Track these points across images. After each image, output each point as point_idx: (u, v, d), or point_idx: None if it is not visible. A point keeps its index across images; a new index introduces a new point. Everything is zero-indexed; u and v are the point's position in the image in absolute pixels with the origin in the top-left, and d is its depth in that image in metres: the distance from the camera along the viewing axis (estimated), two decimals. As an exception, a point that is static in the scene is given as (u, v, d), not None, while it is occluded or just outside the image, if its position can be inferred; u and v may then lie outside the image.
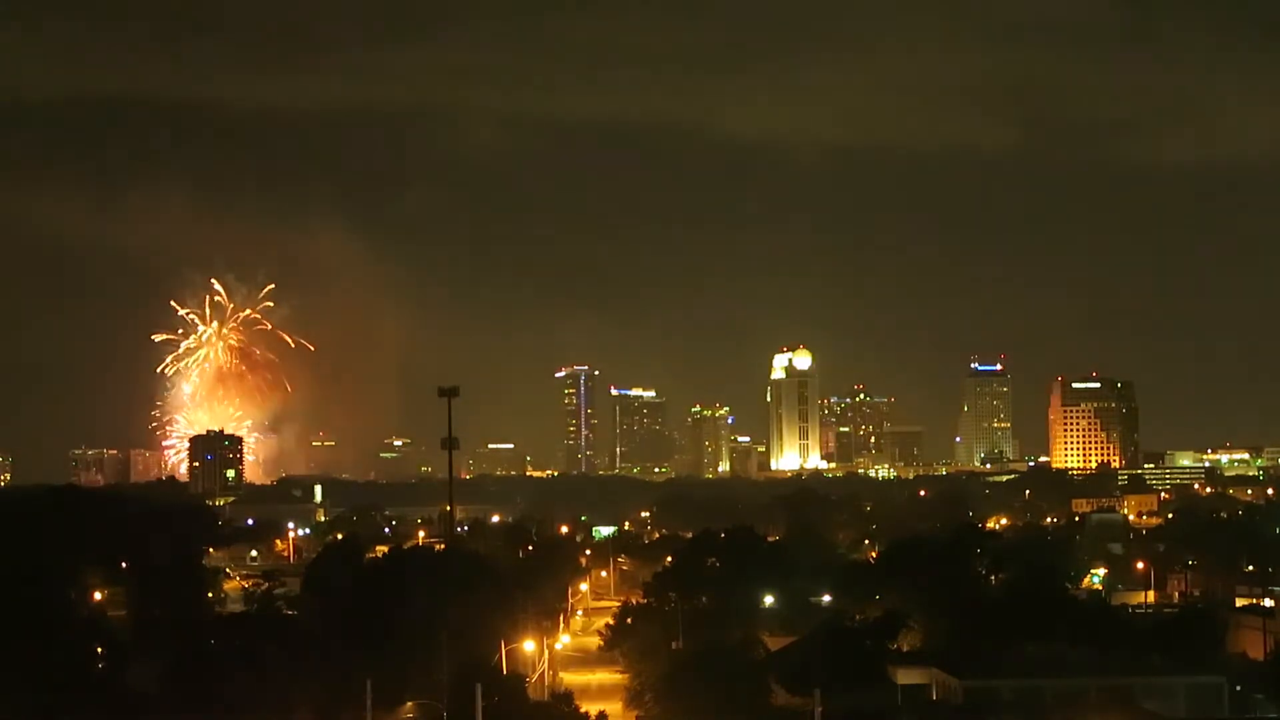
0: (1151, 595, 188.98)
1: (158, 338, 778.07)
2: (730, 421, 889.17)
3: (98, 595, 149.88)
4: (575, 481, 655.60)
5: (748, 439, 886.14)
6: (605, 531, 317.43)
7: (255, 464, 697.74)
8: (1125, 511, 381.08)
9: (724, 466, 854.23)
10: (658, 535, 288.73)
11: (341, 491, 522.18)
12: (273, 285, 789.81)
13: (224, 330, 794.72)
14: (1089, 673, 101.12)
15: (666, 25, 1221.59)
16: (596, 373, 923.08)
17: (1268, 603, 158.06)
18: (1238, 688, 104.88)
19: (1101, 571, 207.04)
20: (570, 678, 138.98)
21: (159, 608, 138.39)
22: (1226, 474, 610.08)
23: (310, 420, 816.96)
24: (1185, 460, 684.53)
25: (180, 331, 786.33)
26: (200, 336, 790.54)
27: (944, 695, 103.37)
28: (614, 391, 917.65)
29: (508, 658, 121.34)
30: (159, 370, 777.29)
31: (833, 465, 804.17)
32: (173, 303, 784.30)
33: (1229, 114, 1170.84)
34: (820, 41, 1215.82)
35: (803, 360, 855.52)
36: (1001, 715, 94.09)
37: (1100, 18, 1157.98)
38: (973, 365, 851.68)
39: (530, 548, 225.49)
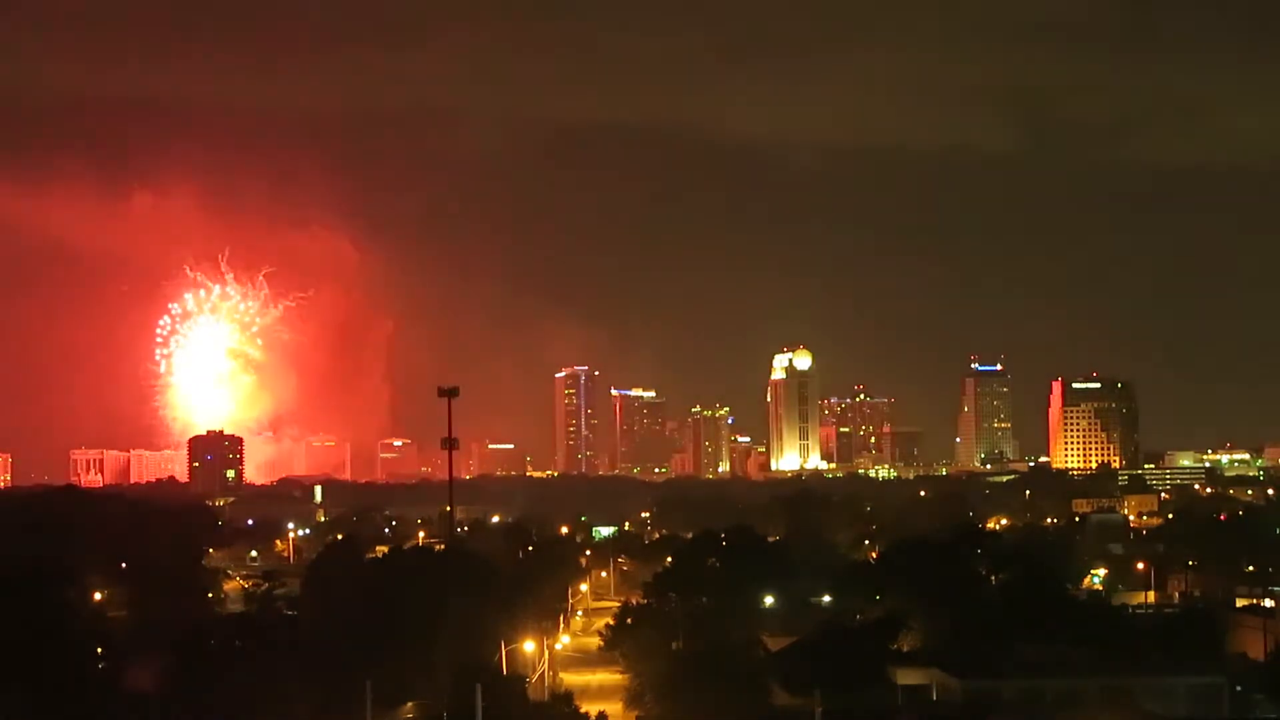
0: (1152, 595, 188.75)
1: (158, 338, 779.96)
2: (730, 421, 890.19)
3: (98, 595, 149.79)
4: (575, 481, 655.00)
5: (748, 439, 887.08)
6: (605, 532, 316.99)
7: (255, 464, 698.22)
8: (1125, 512, 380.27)
9: (724, 466, 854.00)
10: (658, 535, 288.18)
11: (341, 492, 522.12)
12: (273, 285, 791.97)
13: (224, 330, 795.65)
14: (1089, 673, 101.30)
15: (666, 26, 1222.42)
16: (596, 373, 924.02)
17: (1268, 603, 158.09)
18: (1238, 688, 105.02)
19: (1102, 572, 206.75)
20: (570, 678, 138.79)
21: (159, 608, 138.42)
22: (1227, 474, 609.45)
23: (310, 420, 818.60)
24: (1185, 460, 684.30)
25: (181, 331, 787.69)
26: (200, 336, 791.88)
27: (944, 695, 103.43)
28: (614, 391, 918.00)
29: (508, 658, 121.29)
30: (159, 370, 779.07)
31: (833, 465, 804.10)
32: (174, 303, 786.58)
33: (1228, 114, 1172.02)
34: (820, 42, 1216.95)
35: (803, 360, 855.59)
36: (1002, 715, 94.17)
37: (1100, 18, 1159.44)
38: (973, 365, 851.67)
39: (530, 548, 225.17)
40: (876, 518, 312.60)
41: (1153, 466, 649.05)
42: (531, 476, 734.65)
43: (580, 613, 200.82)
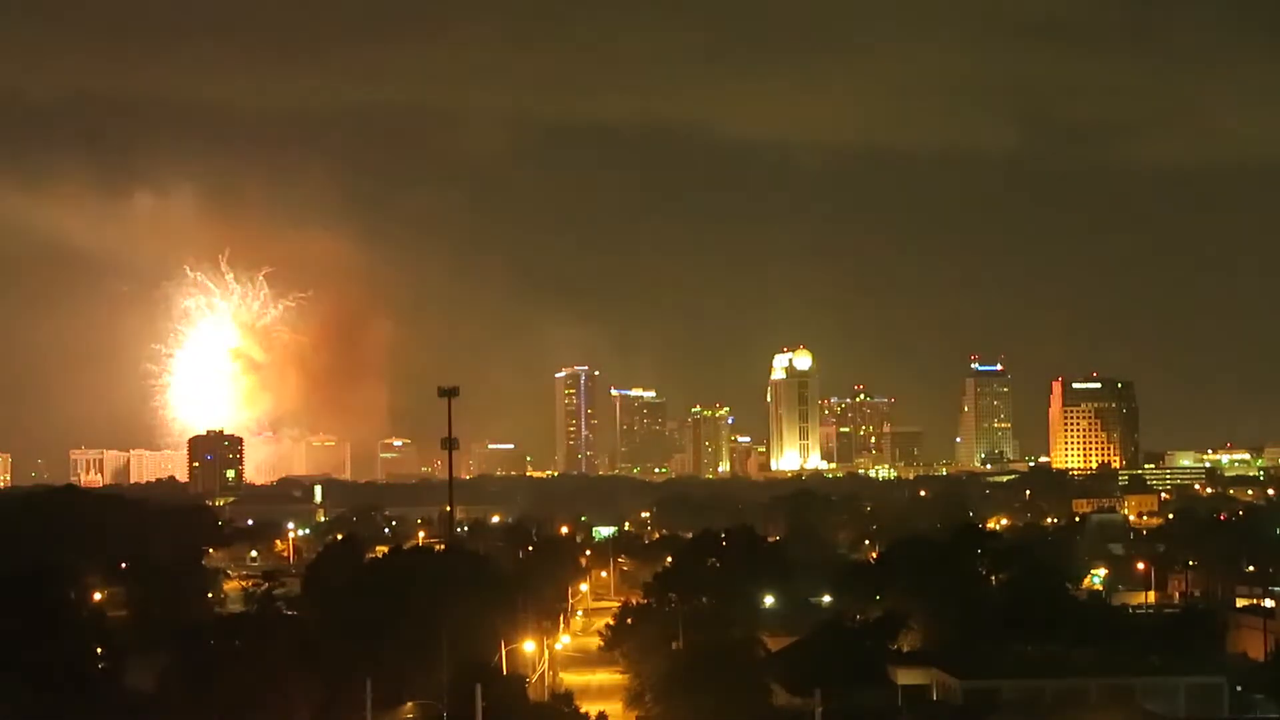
0: (1152, 595, 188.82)
1: (158, 341, 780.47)
2: (730, 421, 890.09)
3: (98, 595, 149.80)
4: (575, 481, 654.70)
5: (748, 439, 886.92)
6: (605, 532, 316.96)
7: (255, 464, 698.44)
8: (1125, 512, 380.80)
9: (724, 466, 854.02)
10: (658, 535, 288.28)
11: (341, 491, 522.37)
12: (273, 285, 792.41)
13: (224, 330, 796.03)
14: (1089, 673, 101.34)
15: (666, 26, 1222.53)
16: (596, 373, 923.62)
17: (1268, 603, 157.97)
18: (1238, 688, 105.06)
19: (1102, 572, 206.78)
20: (570, 678, 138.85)
21: (159, 608, 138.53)
22: (1227, 474, 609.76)
23: (310, 420, 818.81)
24: (1186, 460, 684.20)
25: (181, 331, 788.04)
26: (200, 336, 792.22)
27: (944, 695, 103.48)
28: (614, 391, 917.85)
29: (508, 658, 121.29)
30: (159, 370, 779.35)
31: (833, 465, 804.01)
32: (174, 303, 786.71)
33: (1229, 114, 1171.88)
34: (820, 42, 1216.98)
35: (803, 360, 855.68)
36: (1002, 715, 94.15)
37: (1100, 18, 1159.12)
38: (973, 365, 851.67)
39: (530, 548, 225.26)
40: (876, 518, 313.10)
41: (1153, 466, 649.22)
42: (531, 476, 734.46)
43: (580, 613, 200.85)
